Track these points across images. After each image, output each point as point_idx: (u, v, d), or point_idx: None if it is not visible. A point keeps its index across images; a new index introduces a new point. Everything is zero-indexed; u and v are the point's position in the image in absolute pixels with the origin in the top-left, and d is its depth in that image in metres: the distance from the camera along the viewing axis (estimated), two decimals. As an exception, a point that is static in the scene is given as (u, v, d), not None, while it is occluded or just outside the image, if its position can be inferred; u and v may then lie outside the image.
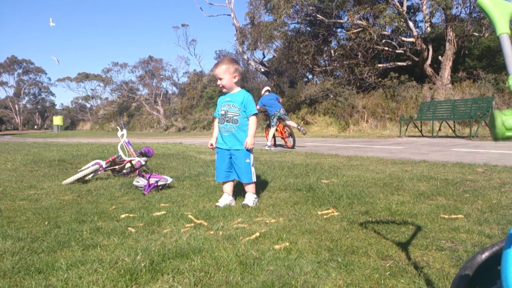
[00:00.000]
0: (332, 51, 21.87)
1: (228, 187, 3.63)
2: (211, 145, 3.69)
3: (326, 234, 2.49)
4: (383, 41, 18.86)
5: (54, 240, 2.52)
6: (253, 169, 3.59)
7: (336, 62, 21.36)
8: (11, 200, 4.04)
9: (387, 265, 1.97)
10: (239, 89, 3.62)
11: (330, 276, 1.86)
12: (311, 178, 4.59)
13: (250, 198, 3.51)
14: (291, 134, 10.17)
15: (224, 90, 3.60)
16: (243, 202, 3.48)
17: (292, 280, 1.81)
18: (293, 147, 10.02)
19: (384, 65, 19.85)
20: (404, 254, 2.13)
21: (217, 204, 3.49)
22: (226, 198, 3.57)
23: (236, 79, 3.55)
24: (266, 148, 10.10)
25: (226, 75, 3.51)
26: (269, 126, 10.69)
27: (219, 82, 3.56)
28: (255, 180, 3.59)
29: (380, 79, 18.94)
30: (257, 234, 2.51)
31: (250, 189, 3.57)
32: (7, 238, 2.59)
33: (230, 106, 3.56)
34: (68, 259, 2.15)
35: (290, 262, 2.03)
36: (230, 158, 3.60)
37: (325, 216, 2.94)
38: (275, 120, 10.10)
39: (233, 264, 2.02)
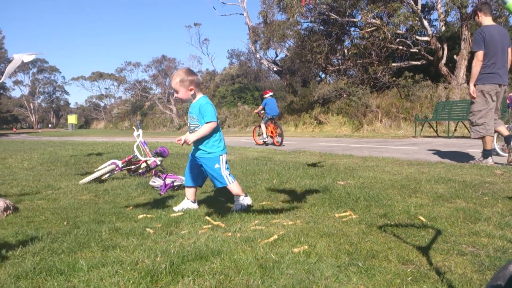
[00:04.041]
0: (345, 50, 21.75)
1: (190, 193, 3.56)
2: (179, 140, 3.40)
3: (345, 237, 2.48)
4: (397, 40, 18.70)
5: (74, 241, 2.54)
6: (225, 172, 3.43)
7: (349, 61, 21.23)
8: (29, 200, 4.10)
9: (409, 270, 1.95)
10: (200, 96, 3.45)
11: (351, 281, 1.85)
12: (326, 179, 4.57)
13: (236, 201, 3.46)
14: (280, 134, 11.63)
15: (182, 103, 3.52)
16: (232, 208, 3.45)
17: (313, 284, 1.80)
18: (280, 144, 11.36)
19: (398, 64, 19.67)
20: (425, 258, 2.11)
21: (174, 208, 3.47)
22: (185, 203, 3.54)
23: (192, 92, 3.39)
24: (263, 140, 11.94)
25: (181, 88, 3.36)
26: (259, 126, 12.50)
27: (175, 95, 3.46)
28: (231, 183, 3.43)
29: (394, 78, 18.76)
30: (275, 236, 2.51)
31: (233, 191, 3.46)
32: (27, 238, 2.62)
33: (191, 118, 3.45)
34: (88, 260, 2.16)
35: (310, 266, 2.02)
36: (202, 166, 3.49)
37: (343, 219, 2.92)
38: (266, 119, 11.82)
39: (252, 267, 2.01)
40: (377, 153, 8.02)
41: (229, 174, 3.47)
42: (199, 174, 3.54)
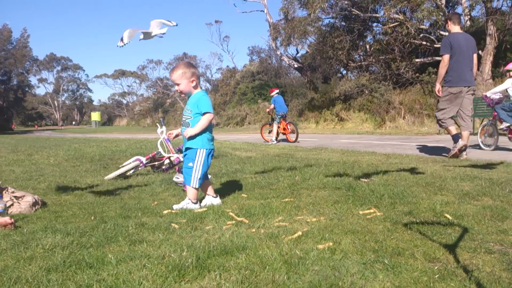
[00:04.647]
0: (367, 46, 21.50)
1: (205, 187, 3.57)
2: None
3: (369, 234, 2.46)
4: (421, 35, 18.39)
5: (102, 235, 2.59)
6: (195, 174, 3.41)
7: (371, 57, 20.99)
8: (56, 195, 4.20)
9: (436, 267, 1.93)
10: (199, 90, 3.49)
11: (377, 278, 1.84)
12: (349, 176, 4.54)
13: (182, 202, 3.44)
14: (293, 131, 11.87)
15: (182, 96, 3.53)
16: (175, 206, 3.43)
17: (339, 281, 1.80)
18: (295, 141, 11.52)
19: (422, 60, 19.35)
20: (452, 256, 2.08)
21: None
22: (207, 199, 3.56)
23: (194, 84, 3.43)
24: (272, 143, 11.65)
25: (183, 80, 3.39)
26: (269, 124, 12.63)
27: (176, 87, 3.47)
28: (196, 187, 3.42)
29: (417, 74, 18.48)
30: (299, 233, 2.51)
31: (188, 192, 3.47)
32: (57, 233, 2.69)
33: (186, 110, 3.48)
34: (116, 254, 2.21)
35: (335, 262, 2.02)
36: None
37: (367, 216, 2.90)
38: (278, 118, 11.86)
39: (278, 263, 2.02)
40: (400, 150, 7.93)
41: (200, 178, 3.41)
42: None
